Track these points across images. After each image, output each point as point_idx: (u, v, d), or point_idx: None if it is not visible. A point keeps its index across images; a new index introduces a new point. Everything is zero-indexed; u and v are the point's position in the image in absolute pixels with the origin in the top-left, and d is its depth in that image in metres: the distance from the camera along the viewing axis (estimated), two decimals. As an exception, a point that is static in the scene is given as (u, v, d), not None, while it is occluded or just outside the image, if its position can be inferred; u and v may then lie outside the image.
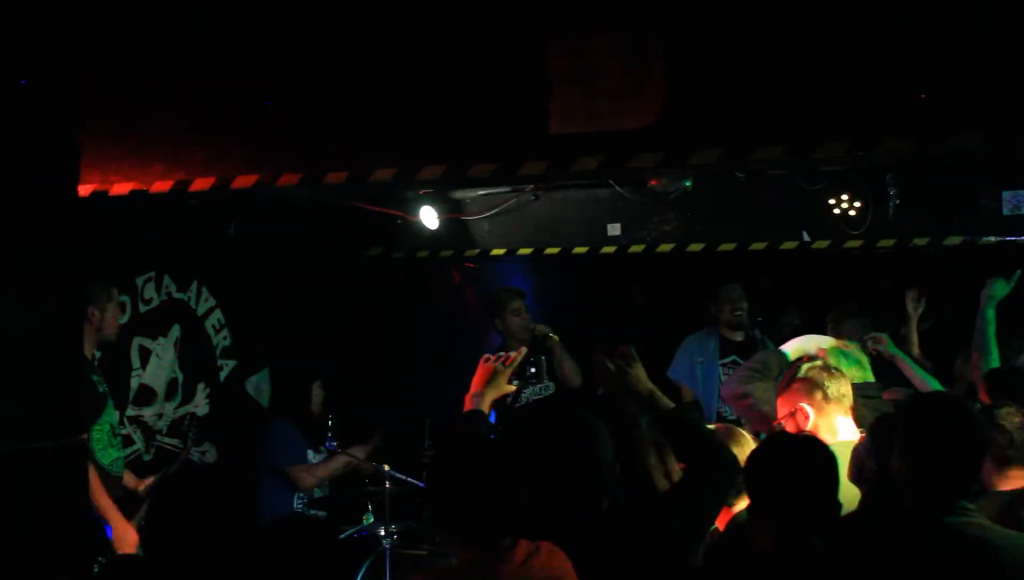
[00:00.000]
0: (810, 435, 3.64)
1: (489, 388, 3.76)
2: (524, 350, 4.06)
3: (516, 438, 3.25)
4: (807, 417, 4.13)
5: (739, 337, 7.06)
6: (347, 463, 6.59)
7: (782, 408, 4.27)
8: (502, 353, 3.91)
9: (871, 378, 4.64)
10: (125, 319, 5.91)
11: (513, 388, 3.97)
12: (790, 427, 4.17)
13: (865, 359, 4.74)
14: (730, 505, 3.86)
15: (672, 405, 3.53)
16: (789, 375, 4.34)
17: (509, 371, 3.82)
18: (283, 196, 6.57)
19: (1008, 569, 3.07)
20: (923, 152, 4.09)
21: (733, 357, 7.05)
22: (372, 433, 6.75)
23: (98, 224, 5.17)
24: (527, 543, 2.89)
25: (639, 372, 3.51)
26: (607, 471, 3.26)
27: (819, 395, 4.18)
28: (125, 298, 6.02)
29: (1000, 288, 5.38)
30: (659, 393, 3.52)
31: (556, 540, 2.99)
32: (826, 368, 4.31)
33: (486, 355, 3.92)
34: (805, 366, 4.32)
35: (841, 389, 4.22)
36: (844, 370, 4.42)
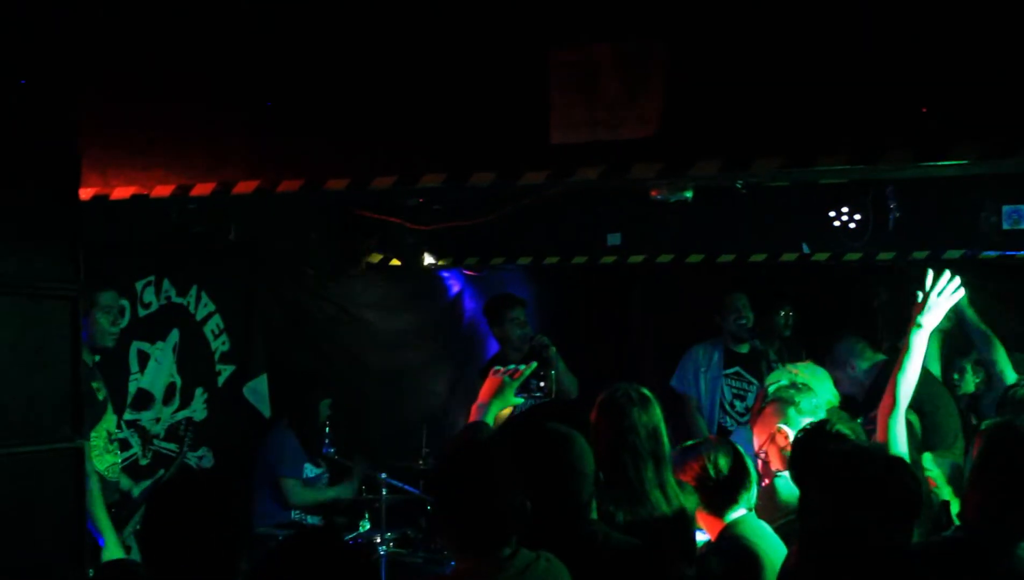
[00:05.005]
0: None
1: (496, 400, 3.77)
2: (534, 364, 4.06)
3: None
4: (787, 436, 4.13)
5: (743, 349, 7.08)
6: (336, 498, 6.63)
7: (760, 436, 4.27)
8: (511, 366, 3.91)
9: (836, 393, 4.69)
10: (125, 323, 5.91)
11: (520, 401, 3.98)
12: (772, 450, 4.18)
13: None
14: (722, 516, 3.86)
15: None
16: (759, 404, 4.37)
17: (516, 384, 3.83)
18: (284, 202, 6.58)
19: None
20: (923, 165, 4.08)
21: (737, 368, 7.07)
22: (351, 467, 6.72)
23: (98, 228, 5.16)
24: (527, 552, 2.89)
25: None
26: (586, 483, 3.25)
27: (793, 411, 4.20)
28: (125, 302, 6.00)
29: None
30: None
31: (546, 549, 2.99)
32: (793, 385, 4.34)
33: (495, 367, 3.92)
34: (772, 389, 4.35)
35: (813, 402, 4.24)
36: (816, 385, 4.46)
